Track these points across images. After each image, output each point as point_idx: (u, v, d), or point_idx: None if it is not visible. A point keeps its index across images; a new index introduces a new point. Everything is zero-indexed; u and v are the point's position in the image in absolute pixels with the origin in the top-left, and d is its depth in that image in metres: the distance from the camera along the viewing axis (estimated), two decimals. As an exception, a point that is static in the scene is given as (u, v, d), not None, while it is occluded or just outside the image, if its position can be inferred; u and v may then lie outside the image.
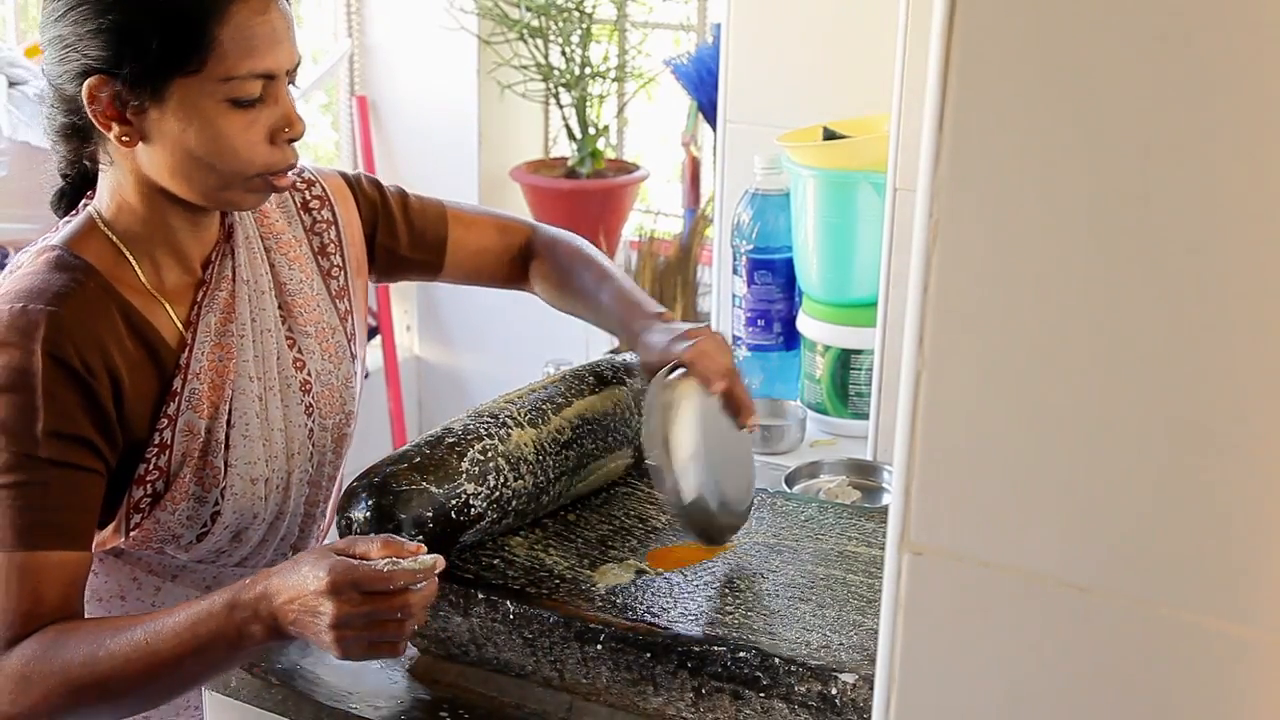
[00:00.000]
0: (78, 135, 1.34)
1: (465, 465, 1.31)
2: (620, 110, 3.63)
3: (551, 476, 1.39)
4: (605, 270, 1.59)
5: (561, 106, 3.42)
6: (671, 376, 1.35)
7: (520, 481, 1.35)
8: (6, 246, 2.60)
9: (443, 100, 3.44)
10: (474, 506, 1.30)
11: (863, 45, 2.05)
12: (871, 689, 0.79)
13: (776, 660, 1.18)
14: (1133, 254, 0.62)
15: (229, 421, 1.38)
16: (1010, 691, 0.70)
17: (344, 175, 1.57)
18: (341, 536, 1.30)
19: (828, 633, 1.23)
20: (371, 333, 3.49)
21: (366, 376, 1.51)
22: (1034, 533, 0.67)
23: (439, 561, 1.17)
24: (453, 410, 1.49)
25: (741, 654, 1.19)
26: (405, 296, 3.66)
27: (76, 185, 1.40)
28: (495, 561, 1.35)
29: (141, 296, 1.35)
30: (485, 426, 1.36)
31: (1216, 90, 0.59)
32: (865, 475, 1.82)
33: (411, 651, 1.35)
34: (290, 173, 1.35)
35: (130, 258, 1.35)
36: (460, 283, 1.69)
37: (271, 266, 1.45)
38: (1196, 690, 0.65)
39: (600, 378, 1.51)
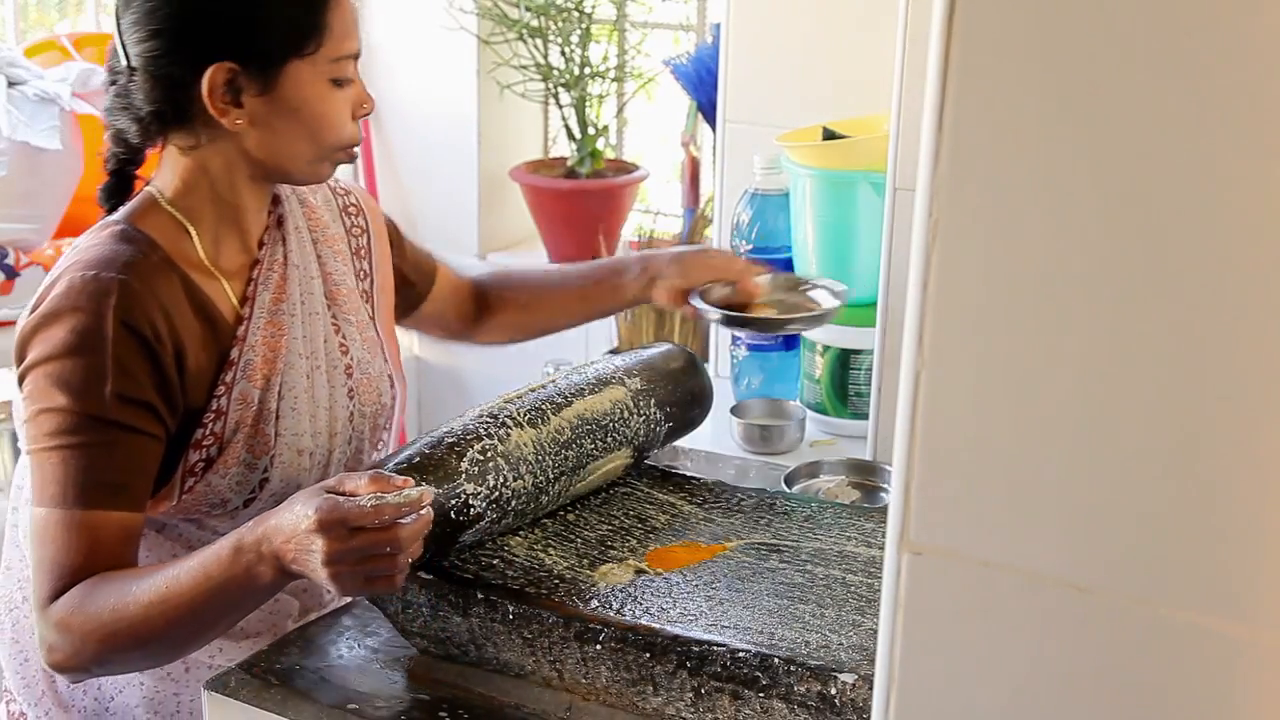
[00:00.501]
0: (159, 120, 1.39)
1: (465, 465, 1.31)
2: (620, 110, 3.63)
3: (551, 476, 1.39)
4: (551, 266, 1.73)
5: (561, 106, 3.41)
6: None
7: (520, 481, 1.35)
8: (6, 246, 2.60)
9: (442, 100, 3.43)
10: (473, 506, 1.30)
11: (863, 45, 2.05)
12: (871, 689, 0.79)
13: (776, 660, 1.18)
14: (1133, 253, 0.62)
15: (279, 394, 1.43)
16: (1010, 691, 0.70)
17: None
18: None
19: (827, 633, 1.23)
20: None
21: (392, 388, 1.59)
22: (1034, 533, 0.67)
23: (425, 493, 1.20)
24: (453, 410, 1.49)
25: (741, 654, 1.19)
26: (405, 297, 3.66)
27: (121, 179, 1.46)
28: (495, 561, 1.35)
29: (199, 272, 1.41)
30: (485, 426, 1.36)
31: (1217, 89, 0.59)
32: (865, 475, 1.82)
33: (411, 651, 1.35)
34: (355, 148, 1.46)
35: (193, 234, 1.41)
36: (425, 323, 1.79)
37: (318, 257, 1.52)
38: (1196, 690, 0.65)
39: (600, 378, 1.51)
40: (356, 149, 1.45)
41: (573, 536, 1.42)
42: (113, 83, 1.41)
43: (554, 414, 1.42)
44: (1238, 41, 0.58)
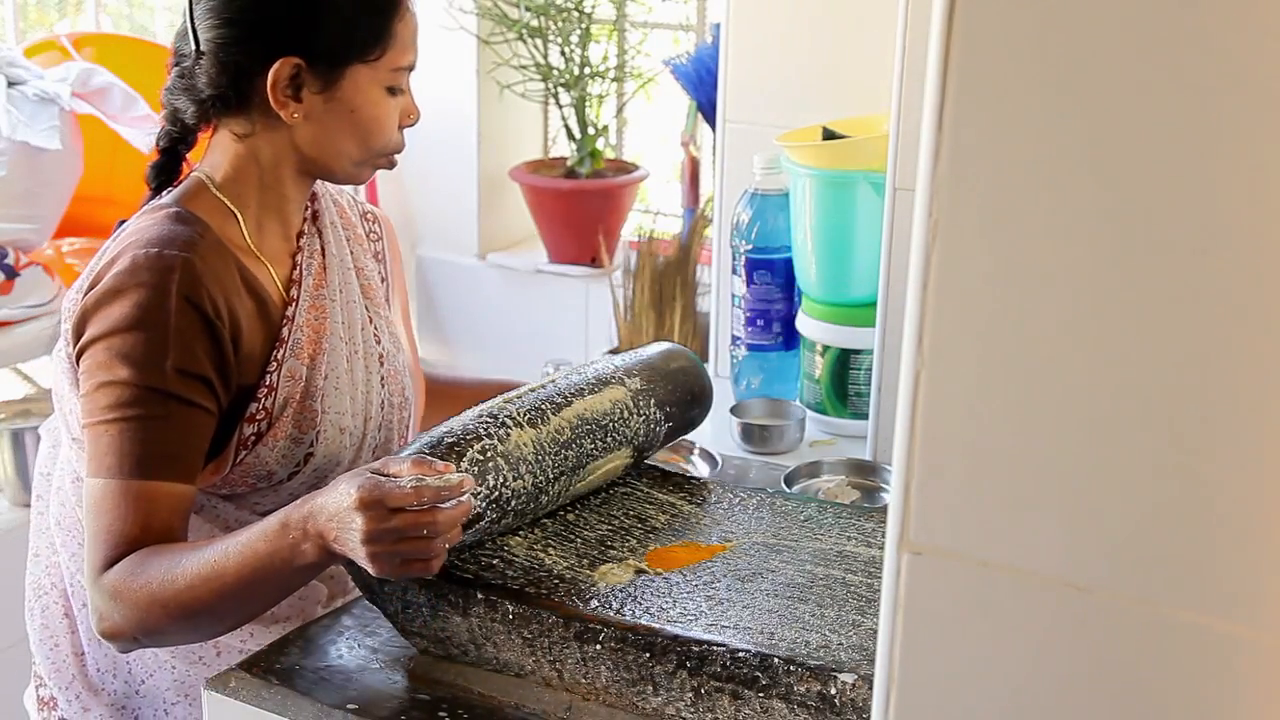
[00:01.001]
0: (220, 104, 1.44)
1: (464, 465, 1.31)
2: (619, 110, 3.63)
3: (551, 476, 1.39)
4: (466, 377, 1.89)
5: (561, 106, 3.42)
6: None
7: (519, 481, 1.35)
8: (6, 246, 2.59)
9: (442, 100, 3.43)
10: (473, 506, 1.30)
11: (862, 45, 2.05)
12: (871, 689, 0.79)
13: (776, 660, 1.18)
14: (1133, 252, 0.62)
15: (324, 373, 1.49)
16: (1010, 691, 0.70)
17: None
18: None
19: (827, 632, 1.23)
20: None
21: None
22: (1034, 533, 0.67)
23: (466, 480, 1.23)
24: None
25: (741, 654, 1.19)
26: (405, 296, 3.66)
27: (171, 159, 1.50)
28: (494, 561, 1.35)
29: (246, 255, 1.46)
30: (484, 426, 1.36)
31: (1218, 89, 0.59)
32: (864, 475, 1.82)
33: (411, 651, 1.35)
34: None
35: (239, 218, 1.46)
36: None
37: (350, 252, 1.58)
38: (1196, 690, 0.65)
39: (600, 378, 1.51)
40: (398, 157, 1.51)
41: (573, 536, 1.42)
42: (177, 64, 1.46)
43: (554, 414, 1.42)
44: (1238, 41, 0.58)
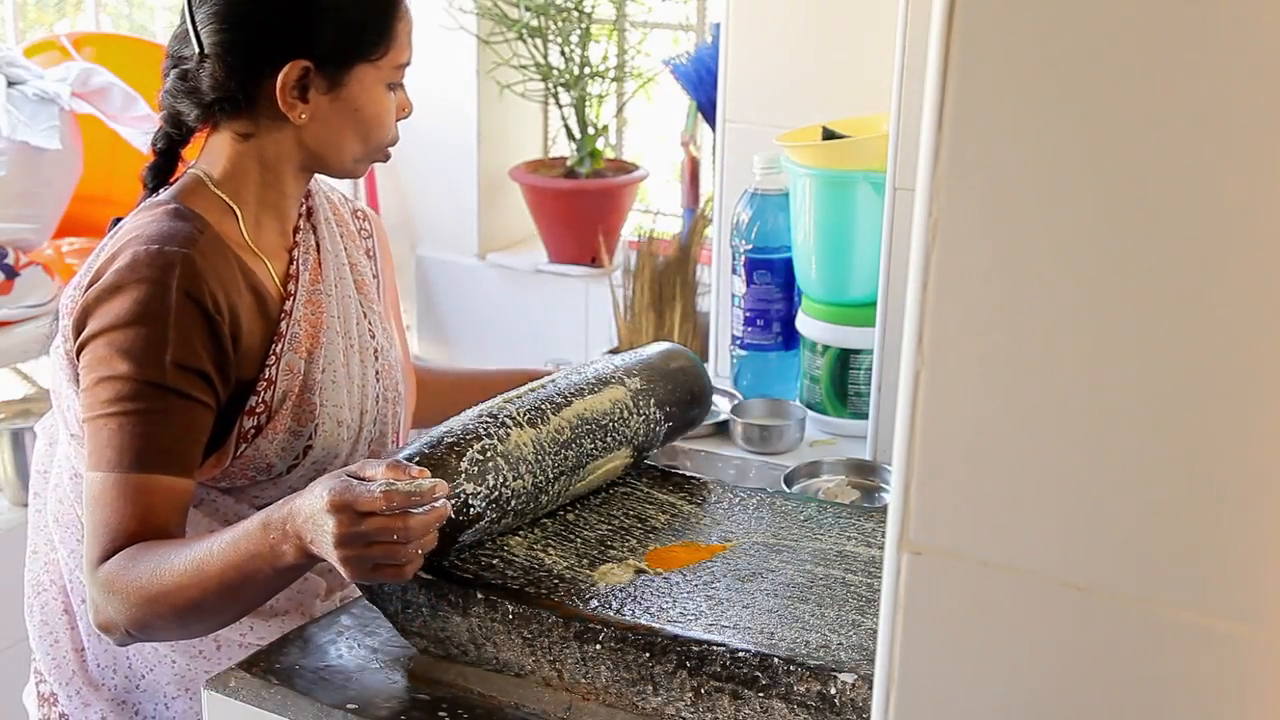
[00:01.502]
0: (224, 106, 1.45)
1: (464, 465, 1.31)
2: (619, 110, 3.63)
3: (550, 476, 1.39)
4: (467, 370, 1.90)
5: (561, 106, 3.41)
6: None
7: (519, 481, 1.35)
8: (6, 246, 2.59)
9: (442, 100, 3.43)
10: (473, 506, 1.30)
11: (862, 45, 2.05)
12: (871, 689, 0.79)
13: (776, 660, 1.18)
14: (1133, 252, 0.62)
15: (321, 367, 1.50)
16: (1010, 691, 0.70)
17: None
18: None
19: (827, 632, 1.23)
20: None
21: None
22: (1034, 533, 0.67)
23: (439, 485, 1.23)
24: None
25: (740, 654, 1.19)
26: (404, 296, 3.66)
27: (168, 159, 1.52)
28: (494, 561, 1.35)
29: (244, 251, 1.47)
30: (484, 426, 1.36)
31: (1219, 89, 0.59)
32: (864, 475, 1.82)
33: (411, 651, 1.35)
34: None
35: (238, 215, 1.48)
36: None
37: (344, 248, 1.60)
38: (1196, 690, 0.65)
39: (600, 377, 1.51)
40: (392, 150, 1.54)
41: (572, 536, 1.42)
42: (175, 66, 1.47)
43: (554, 414, 1.42)
44: (1238, 41, 0.58)
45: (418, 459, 1.30)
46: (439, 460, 1.31)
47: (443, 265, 3.65)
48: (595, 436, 1.45)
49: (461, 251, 3.64)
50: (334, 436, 1.50)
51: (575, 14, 3.30)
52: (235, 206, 1.47)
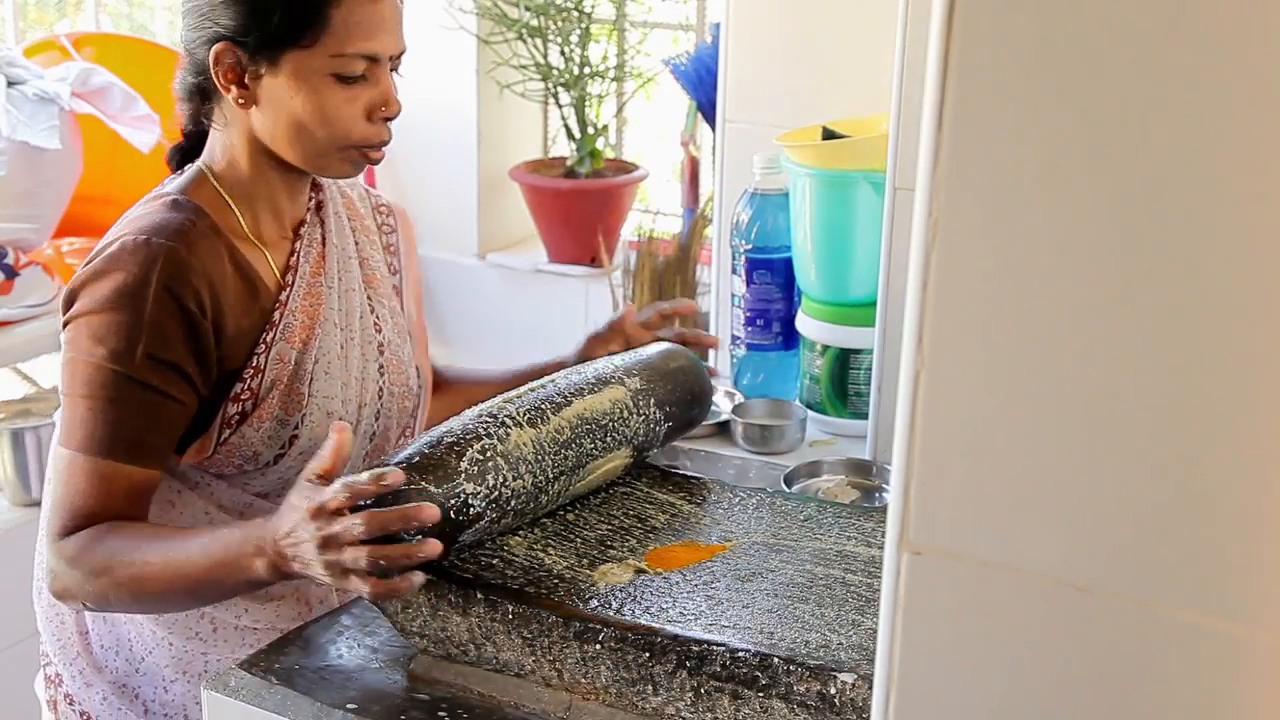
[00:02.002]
0: (200, 95, 1.50)
1: (464, 465, 1.31)
2: (619, 110, 3.63)
3: (550, 476, 1.39)
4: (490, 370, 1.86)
5: (560, 106, 3.41)
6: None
7: (519, 481, 1.35)
8: (6, 246, 2.59)
9: (442, 100, 3.44)
10: (473, 506, 1.30)
11: (862, 45, 2.05)
12: (871, 688, 0.79)
13: (775, 660, 1.18)
14: (1133, 252, 0.62)
15: (315, 357, 1.52)
16: (1009, 691, 0.70)
17: None
18: None
19: (827, 632, 1.23)
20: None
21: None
22: (1034, 533, 0.67)
23: (393, 474, 1.24)
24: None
25: (740, 654, 1.19)
26: (404, 296, 3.66)
27: (194, 142, 1.55)
28: (494, 561, 1.35)
29: (243, 242, 1.50)
30: (484, 426, 1.36)
31: (1219, 88, 0.59)
32: (864, 475, 1.82)
33: (411, 651, 1.35)
34: (384, 147, 1.50)
35: (234, 208, 1.50)
36: None
37: (355, 243, 1.62)
38: (1196, 690, 0.65)
39: (600, 377, 1.51)
40: (377, 150, 1.49)
41: (572, 536, 1.42)
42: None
43: (554, 413, 1.42)
44: (1238, 40, 0.58)
45: (418, 459, 1.30)
46: (439, 460, 1.31)
47: (443, 265, 3.65)
48: (595, 436, 1.45)
49: (461, 251, 3.64)
50: (323, 427, 1.51)
51: (575, 14, 3.30)
52: (233, 199, 1.50)
